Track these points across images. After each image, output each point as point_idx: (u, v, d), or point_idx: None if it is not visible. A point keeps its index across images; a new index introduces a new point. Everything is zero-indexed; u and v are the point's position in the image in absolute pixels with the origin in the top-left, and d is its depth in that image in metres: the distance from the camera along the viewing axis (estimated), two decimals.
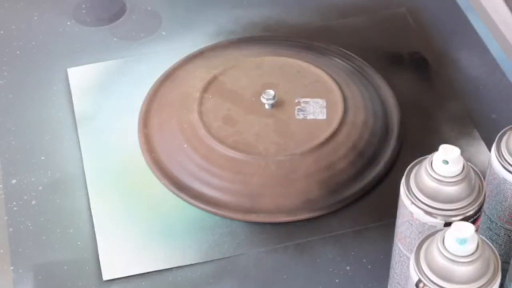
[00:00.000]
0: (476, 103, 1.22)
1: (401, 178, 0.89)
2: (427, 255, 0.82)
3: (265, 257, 1.06)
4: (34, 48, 1.30)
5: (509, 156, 0.90)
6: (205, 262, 1.05)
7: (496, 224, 0.95)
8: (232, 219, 1.09)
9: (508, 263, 0.94)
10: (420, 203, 0.86)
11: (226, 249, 1.06)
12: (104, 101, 1.23)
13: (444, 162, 0.85)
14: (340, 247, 1.06)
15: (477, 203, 0.86)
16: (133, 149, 1.17)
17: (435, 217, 0.86)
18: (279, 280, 1.03)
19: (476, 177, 0.87)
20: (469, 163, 0.87)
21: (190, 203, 1.10)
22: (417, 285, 0.82)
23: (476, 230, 0.84)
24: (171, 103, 1.20)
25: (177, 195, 1.11)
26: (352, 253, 1.06)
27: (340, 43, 1.29)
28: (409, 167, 0.89)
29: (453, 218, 0.86)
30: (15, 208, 1.11)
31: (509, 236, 0.95)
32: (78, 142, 1.18)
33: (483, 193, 0.87)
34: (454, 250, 0.80)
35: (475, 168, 0.88)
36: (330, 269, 1.04)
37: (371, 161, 1.14)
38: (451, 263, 0.80)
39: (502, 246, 0.96)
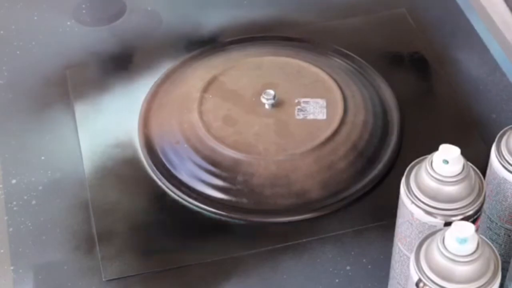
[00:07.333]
0: (476, 103, 1.22)
1: (401, 178, 0.89)
2: (427, 255, 0.82)
3: (265, 257, 1.05)
4: (34, 48, 1.30)
5: (509, 156, 0.90)
6: (205, 262, 1.05)
7: (496, 224, 0.95)
8: (232, 219, 1.09)
9: (508, 263, 0.94)
10: (420, 202, 0.86)
11: (226, 249, 1.06)
12: (104, 101, 1.23)
13: (444, 162, 0.85)
14: (340, 247, 1.06)
15: (477, 203, 0.86)
16: (133, 149, 1.17)
17: (435, 217, 0.86)
18: (279, 280, 1.03)
19: (476, 177, 0.87)
20: (469, 163, 0.87)
21: (190, 203, 1.10)
22: (417, 284, 0.82)
23: (476, 230, 0.84)
24: (171, 103, 1.20)
25: (177, 195, 1.11)
26: (352, 253, 1.06)
27: (340, 43, 1.29)
28: (409, 167, 0.89)
29: (453, 218, 0.86)
30: (15, 208, 1.11)
31: (509, 236, 0.95)
32: (78, 142, 1.18)
33: (483, 193, 0.87)
34: (454, 249, 0.80)
35: (475, 168, 0.88)
36: (330, 269, 1.04)
37: (371, 161, 1.14)
38: (451, 263, 0.80)
39: (502, 246, 0.96)
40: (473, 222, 0.86)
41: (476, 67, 1.26)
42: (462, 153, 0.85)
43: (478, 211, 0.87)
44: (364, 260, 1.05)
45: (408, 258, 0.89)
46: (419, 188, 0.86)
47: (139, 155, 1.16)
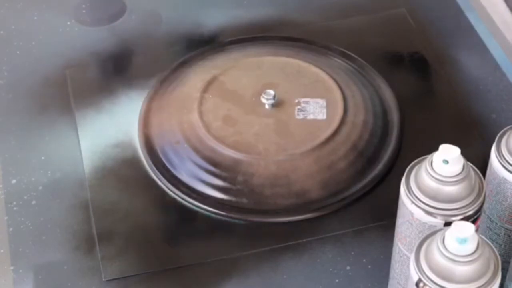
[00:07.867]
0: (476, 103, 1.22)
1: (401, 178, 0.89)
2: (427, 255, 0.82)
3: (265, 257, 1.05)
4: (34, 48, 1.30)
5: (509, 156, 0.90)
6: (205, 262, 1.05)
7: (496, 224, 0.95)
8: (232, 219, 1.09)
9: (508, 263, 0.94)
10: (420, 202, 0.86)
11: (226, 249, 1.06)
12: (104, 101, 1.23)
13: (444, 162, 0.85)
14: (340, 247, 1.06)
15: (477, 203, 0.86)
16: (133, 149, 1.17)
17: (435, 217, 0.86)
18: (279, 280, 1.03)
19: (476, 176, 0.87)
20: (469, 163, 0.87)
21: (190, 203, 1.10)
22: (417, 284, 0.82)
23: (476, 230, 0.84)
24: (171, 103, 1.20)
25: (177, 195, 1.11)
26: (352, 253, 1.06)
27: (340, 43, 1.29)
28: (409, 167, 0.89)
29: (453, 218, 0.86)
30: (15, 208, 1.11)
31: (509, 236, 0.95)
32: (78, 142, 1.18)
33: (483, 193, 0.87)
34: (454, 249, 0.80)
35: (475, 168, 0.88)
36: (330, 269, 1.04)
37: (371, 161, 1.14)
38: (451, 263, 0.80)
39: (502, 246, 0.96)
40: (473, 222, 0.86)
41: (476, 67, 1.26)
42: (462, 153, 0.85)
43: (478, 211, 0.87)
44: (364, 260, 1.05)
45: (408, 258, 0.89)
46: (419, 188, 0.86)
47: (139, 155, 1.16)
